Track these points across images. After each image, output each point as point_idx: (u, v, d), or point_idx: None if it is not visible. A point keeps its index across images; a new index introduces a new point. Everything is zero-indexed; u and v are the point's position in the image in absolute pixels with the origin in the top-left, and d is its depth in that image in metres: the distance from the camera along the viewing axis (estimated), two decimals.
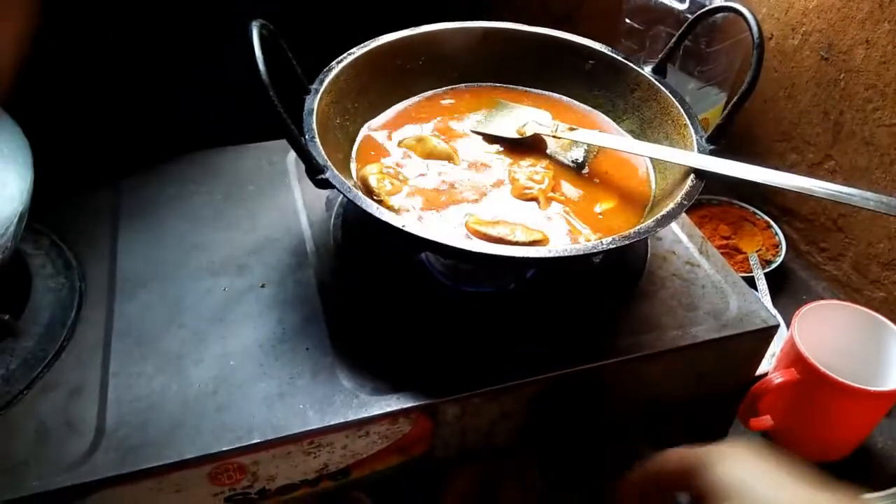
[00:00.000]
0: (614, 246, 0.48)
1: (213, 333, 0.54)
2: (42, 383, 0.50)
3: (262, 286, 0.58)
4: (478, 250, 0.48)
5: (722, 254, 0.85)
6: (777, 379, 0.61)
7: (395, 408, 0.49)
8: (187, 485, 0.47)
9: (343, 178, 0.51)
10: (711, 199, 0.94)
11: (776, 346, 0.69)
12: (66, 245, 0.60)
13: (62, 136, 0.74)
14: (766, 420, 0.67)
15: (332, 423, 0.48)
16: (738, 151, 0.94)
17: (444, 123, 0.66)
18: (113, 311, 0.55)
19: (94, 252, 0.60)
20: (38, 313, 0.55)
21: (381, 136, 0.64)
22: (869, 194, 0.49)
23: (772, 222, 0.91)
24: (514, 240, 0.54)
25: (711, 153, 0.57)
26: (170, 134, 0.75)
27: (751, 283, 0.83)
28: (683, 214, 0.68)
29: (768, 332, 0.58)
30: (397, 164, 0.61)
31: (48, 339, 0.53)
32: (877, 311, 0.66)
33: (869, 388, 0.60)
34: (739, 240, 0.89)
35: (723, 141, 0.57)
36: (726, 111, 0.57)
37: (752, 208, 0.93)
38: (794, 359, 0.63)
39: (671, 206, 0.52)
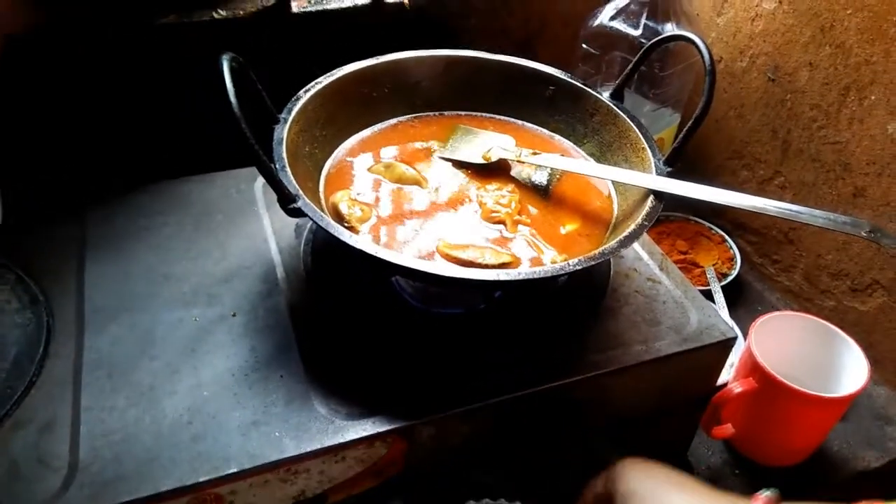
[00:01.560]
0: (581, 267, 0.50)
1: (185, 364, 0.54)
2: (12, 421, 0.49)
3: (234, 315, 0.58)
4: (450, 274, 0.49)
5: (680, 268, 0.88)
6: (736, 389, 0.64)
7: (371, 432, 0.50)
8: None
9: (314, 207, 0.52)
10: (669, 216, 0.97)
11: (734, 357, 0.72)
12: (32, 279, 0.59)
13: (26, 170, 0.74)
14: (727, 428, 0.69)
15: (309, 449, 0.48)
16: (692, 169, 0.98)
17: (411, 150, 0.67)
18: (83, 345, 0.55)
19: (62, 286, 0.59)
20: (5, 349, 0.54)
21: (349, 164, 0.65)
22: (817, 212, 0.52)
23: (726, 236, 0.94)
24: (485, 262, 0.55)
25: (669, 175, 0.59)
26: (136, 165, 0.75)
27: (708, 295, 0.86)
28: (644, 234, 0.71)
29: (727, 344, 0.60)
30: (367, 191, 0.62)
31: (16, 376, 0.52)
32: (827, 319, 0.70)
33: (823, 394, 0.63)
34: (696, 254, 0.92)
35: (679, 163, 0.60)
36: (682, 134, 0.59)
37: (707, 223, 0.96)
38: (752, 368, 0.65)
39: (633, 226, 0.54)
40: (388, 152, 0.67)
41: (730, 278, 0.88)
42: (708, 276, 0.88)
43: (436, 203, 0.62)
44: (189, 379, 0.53)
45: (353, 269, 0.62)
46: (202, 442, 0.49)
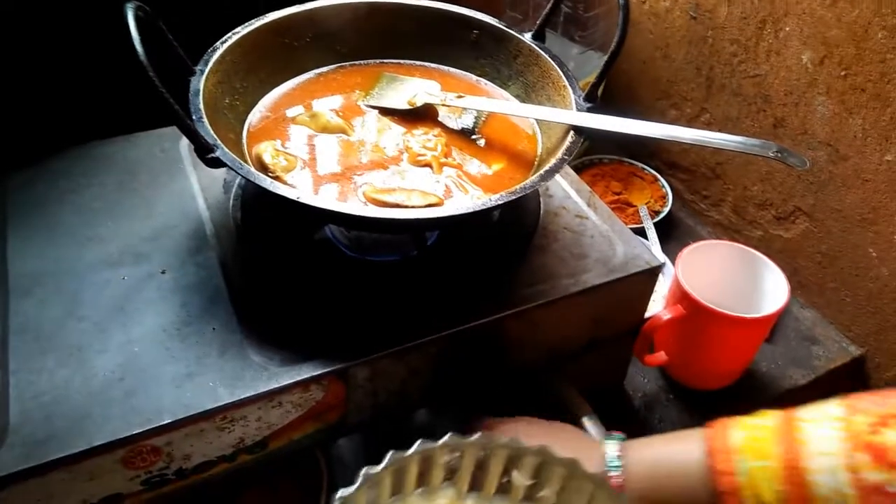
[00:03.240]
0: (501, 202, 0.51)
1: (114, 323, 0.53)
2: None
3: (163, 272, 0.58)
4: (372, 216, 0.49)
5: (614, 208, 0.91)
6: (665, 316, 0.66)
7: (305, 376, 0.51)
8: (100, 472, 0.47)
9: (234, 156, 0.51)
10: (603, 158, 0.99)
11: (666, 288, 0.75)
12: None
13: None
14: (660, 356, 0.72)
15: (243, 396, 0.49)
16: (622, 112, 0.99)
17: (336, 99, 0.67)
18: (7, 310, 0.54)
19: None
20: None
21: (273, 114, 0.64)
22: (728, 136, 0.53)
23: (658, 176, 0.97)
24: (411, 205, 0.56)
25: (589, 111, 0.60)
26: (55, 127, 0.73)
27: (642, 233, 0.88)
28: (572, 172, 0.73)
29: (652, 273, 0.62)
30: (291, 140, 0.61)
31: None
32: (755, 248, 0.72)
33: (745, 315, 0.66)
34: (630, 194, 0.94)
35: (598, 98, 0.61)
36: (599, 70, 0.60)
37: (640, 164, 0.98)
38: (680, 296, 0.68)
39: (553, 161, 0.55)
40: (313, 103, 0.66)
41: (662, 215, 0.91)
42: (641, 213, 0.90)
43: (362, 150, 0.62)
44: (119, 337, 0.52)
45: (283, 221, 0.62)
46: (135, 397, 0.49)
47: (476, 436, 0.44)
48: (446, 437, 0.43)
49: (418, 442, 0.42)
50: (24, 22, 0.73)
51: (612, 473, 0.51)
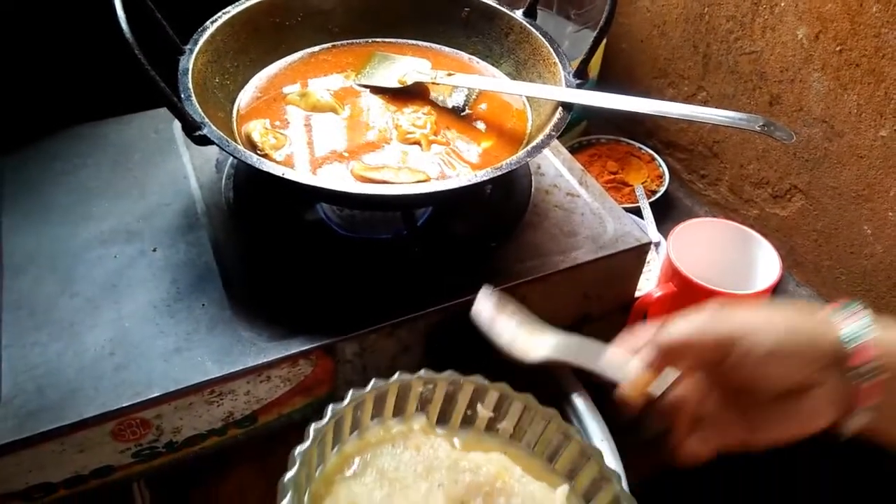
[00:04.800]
0: (486, 178, 0.51)
1: (106, 299, 0.54)
2: None
3: (154, 250, 0.58)
4: (356, 192, 0.50)
5: (610, 188, 0.91)
6: (656, 293, 0.67)
7: (293, 350, 0.51)
8: (91, 444, 0.48)
9: (222, 134, 0.52)
10: (600, 139, 0.99)
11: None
12: None
13: None
14: None
15: (231, 370, 0.50)
16: (620, 91, 0.99)
17: (327, 78, 0.67)
18: (2, 287, 0.55)
19: None
20: None
21: (263, 94, 0.64)
22: (715, 111, 0.53)
23: (655, 155, 0.96)
24: (399, 181, 0.56)
25: (578, 87, 0.60)
26: (51, 108, 0.74)
27: (639, 213, 0.88)
28: (564, 150, 0.72)
29: (642, 250, 0.62)
30: (281, 119, 0.62)
31: None
32: (752, 227, 0.72)
33: (736, 291, 0.66)
34: (626, 174, 0.94)
35: (587, 74, 0.61)
36: (589, 46, 0.60)
37: (637, 144, 0.98)
38: (672, 274, 0.68)
39: (541, 137, 0.55)
40: (304, 82, 0.66)
41: (658, 194, 0.91)
42: (637, 193, 0.90)
43: (352, 128, 0.62)
44: (110, 313, 0.53)
45: (274, 199, 0.62)
46: (125, 371, 0.49)
47: (447, 372, 0.49)
48: (421, 371, 0.48)
49: (397, 373, 0.48)
50: (17, 4, 0.73)
51: (863, 340, 0.41)
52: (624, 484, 0.45)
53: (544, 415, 0.49)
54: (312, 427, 0.43)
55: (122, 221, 0.61)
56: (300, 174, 0.49)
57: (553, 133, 0.56)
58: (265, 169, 0.49)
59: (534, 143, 0.55)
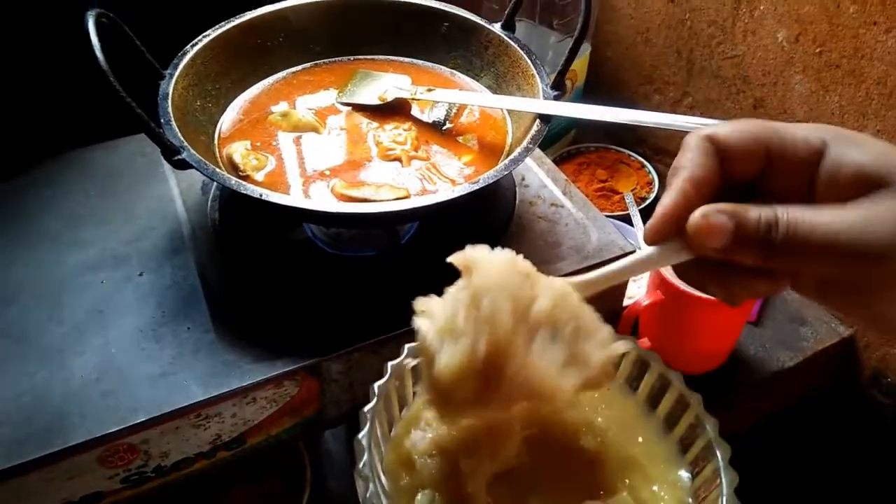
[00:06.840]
0: (464, 193, 0.52)
1: (93, 326, 0.55)
2: None
3: (140, 275, 0.59)
4: (335, 211, 0.50)
5: (599, 196, 0.91)
6: (644, 301, 0.66)
7: (277, 371, 0.51)
8: (79, 471, 0.48)
9: (200, 157, 0.52)
10: (589, 147, 0.99)
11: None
12: None
13: None
14: (643, 342, 0.72)
15: (216, 393, 0.50)
16: (608, 99, 1.00)
17: (310, 98, 0.68)
18: None
19: None
20: None
21: (246, 115, 0.65)
22: (687, 118, 0.53)
23: (645, 162, 0.96)
24: (379, 199, 0.56)
25: (556, 98, 0.61)
26: (38, 135, 0.75)
27: (628, 220, 0.88)
28: (548, 161, 0.73)
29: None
30: (263, 140, 0.62)
31: None
32: None
33: None
34: (616, 182, 0.94)
35: (564, 85, 0.61)
36: (564, 57, 0.60)
37: (626, 151, 0.98)
38: (659, 282, 0.68)
39: (518, 150, 0.56)
40: (286, 102, 0.67)
41: (648, 201, 0.91)
42: (626, 200, 0.90)
43: (333, 147, 0.63)
44: (97, 339, 0.54)
45: (258, 220, 0.62)
46: (111, 396, 0.50)
47: None
48: None
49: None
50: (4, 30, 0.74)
51: None
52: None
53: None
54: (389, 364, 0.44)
55: (110, 246, 0.61)
56: (278, 195, 0.50)
57: (530, 146, 0.56)
58: (243, 191, 0.50)
59: (512, 156, 0.55)
